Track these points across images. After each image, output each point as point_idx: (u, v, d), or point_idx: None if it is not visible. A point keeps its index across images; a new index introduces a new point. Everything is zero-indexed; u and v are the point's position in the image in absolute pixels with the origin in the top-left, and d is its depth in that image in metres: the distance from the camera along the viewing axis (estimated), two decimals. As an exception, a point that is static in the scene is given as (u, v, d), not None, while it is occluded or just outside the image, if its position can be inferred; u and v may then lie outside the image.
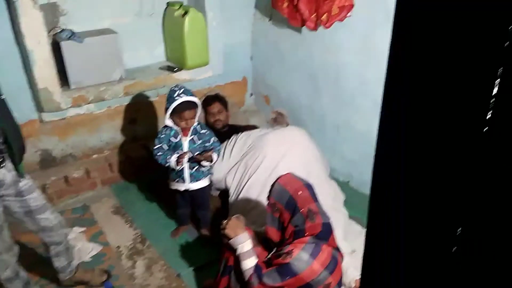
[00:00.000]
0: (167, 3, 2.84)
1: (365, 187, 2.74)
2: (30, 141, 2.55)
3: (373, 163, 0.52)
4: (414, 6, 0.43)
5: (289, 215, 1.59)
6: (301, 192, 1.59)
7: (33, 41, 2.30)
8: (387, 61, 0.48)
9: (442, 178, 0.45)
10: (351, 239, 2.28)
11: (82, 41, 2.45)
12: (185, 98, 2.11)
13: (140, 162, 2.90)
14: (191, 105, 2.14)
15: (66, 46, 2.44)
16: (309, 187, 1.63)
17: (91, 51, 2.50)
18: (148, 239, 2.46)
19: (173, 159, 2.19)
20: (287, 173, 1.69)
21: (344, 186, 2.77)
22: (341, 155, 2.87)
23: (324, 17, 2.37)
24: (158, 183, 2.69)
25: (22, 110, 2.44)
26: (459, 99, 0.43)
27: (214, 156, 2.23)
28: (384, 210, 0.53)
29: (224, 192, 2.59)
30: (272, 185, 1.66)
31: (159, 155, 2.22)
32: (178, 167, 2.20)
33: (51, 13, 2.50)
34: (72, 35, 2.44)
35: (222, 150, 2.56)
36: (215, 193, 2.65)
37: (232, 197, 2.47)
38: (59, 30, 2.51)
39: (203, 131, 2.27)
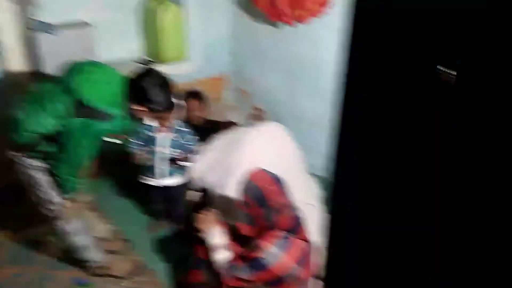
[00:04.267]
0: (144, -5, 2.80)
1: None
2: (1, 135, 2.49)
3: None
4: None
5: (259, 210, 1.59)
6: (271, 187, 1.59)
7: (6, 33, 2.24)
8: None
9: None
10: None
11: (56, 34, 2.40)
12: None
13: (115, 157, 2.85)
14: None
15: (40, 39, 2.38)
16: (279, 181, 1.63)
17: (65, 43, 2.44)
18: (123, 235, 2.43)
19: (142, 153, 2.16)
20: (258, 169, 1.69)
21: (324, 181, 2.78)
22: (319, 151, 2.87)
23: (301, 12, 2.37)
24: (132, 178, 2.66)
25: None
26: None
27: (193, 157, 2.22)
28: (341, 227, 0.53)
29: (206, 190, 2.56)
30: (244, 182, 1.66)
31: (133, 147, 2.19)
32: (146, 162, 2.17)
33: (25, 4, 2.43)
34: (46, 27, 2.39)
35: (202, 149, 2.55)
36: (195, 194, 2.62)
37: (212, 195, 2.45)
38: (33, 22, 2.44)
39: (182, 129, 2.24)
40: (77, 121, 1.64)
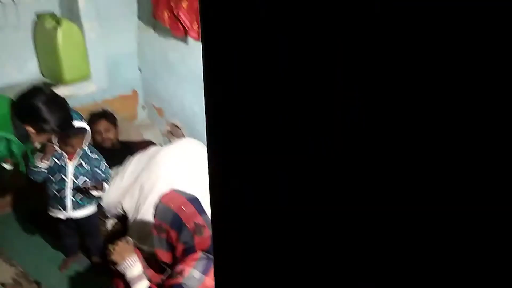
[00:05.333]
0: (36, 14, 2.59)
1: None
2: None
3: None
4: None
5: (176, 234, 1.53)
6: (185, 207, 1.54)
7: None
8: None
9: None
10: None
11: None
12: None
13: (17, 190, 2.59)
14: (78, 131, 1.96)
15: None
16: (193, 201, 1.59)
17: None
18: (32, 276, 2.20)
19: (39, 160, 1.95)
20: (170, 191, 1.64)
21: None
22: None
23: (206, 26, 2.36)
24: (39, 213, 2.43)
25: None
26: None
27: (106, 186, 2.09)
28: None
29: (123, 217, 2.42)
30: (156, 206, 1.59)
31: (37, 176, 2.00)
32: (41, 164, 1.96)
33: None
34: None
35: (116, 173, 2.41)
36: (112, 221, 2.47)
37: (130, 221, 2.32)
38: None
39: (92, 155, 2.09)
40: None
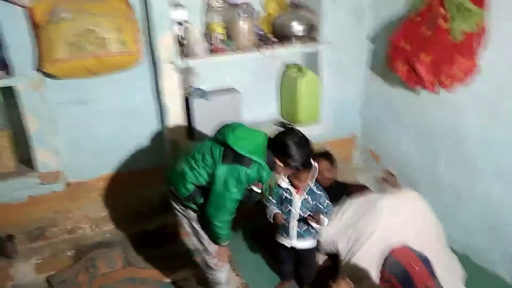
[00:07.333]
0: (285, 65, 3.05)
1: (486, 261, 2.47)
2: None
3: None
4: None
5: (404, 291, 1.52)
6: (417, 267, 1.52)
7: (170, 98, 2.65)
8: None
9: None
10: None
11: (210, 99, 2.75)
12: None
13: (247, 210, 3.02)
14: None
15: (196, 104, 2.75)
16: (425, 261, 1.55)
17: (216, 108, 2.78)
18: (252, 289, 2.52)
19: (272, 211, 2.25)
20: (403, 246, 1.64)
21: (463, 259, 2.51)
22: (458, 223, 2.65)
23: (445, 79, 2.31)
24: (261, 231, 2.76)
25: (155, 157, 2.81)
26: None
27: (325, 220, 2.24)
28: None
29: (334, 255, 2.52)
30: (386, 258, 1.61)
31: (269, 208, 2.30)
32: (281, 221, 2.24)
33: (187, 74, 2.86)
34: (202, 94, 2.76)
35: (333, 212, 2.54)
36: (323, 257, 2.60)
37: (342, 262, 2.39)
38: (192, 89, 2.85)
39: (317, 192, 2.29)
40: (225, 165, 1.84)
